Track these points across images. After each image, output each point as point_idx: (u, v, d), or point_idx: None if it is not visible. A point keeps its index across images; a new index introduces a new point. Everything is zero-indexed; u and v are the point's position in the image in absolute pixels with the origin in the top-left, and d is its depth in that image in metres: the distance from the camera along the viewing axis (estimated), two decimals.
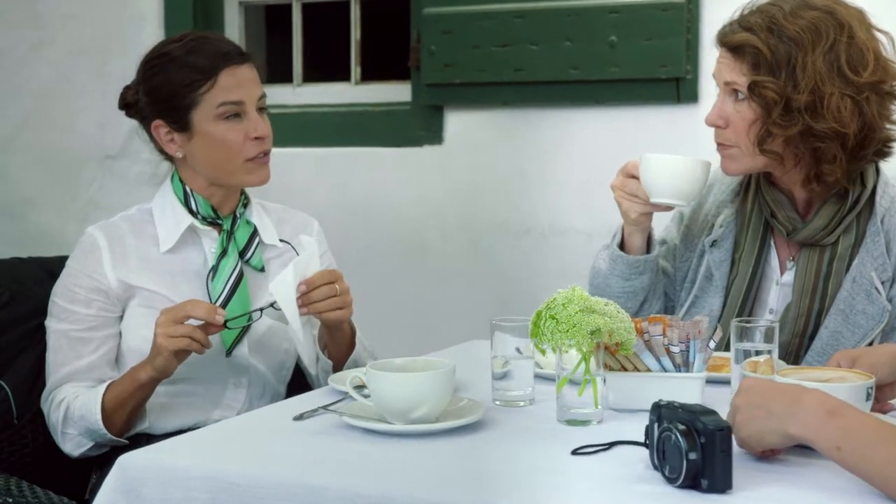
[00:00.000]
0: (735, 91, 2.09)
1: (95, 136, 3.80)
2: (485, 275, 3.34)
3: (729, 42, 2.08)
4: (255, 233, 2.22)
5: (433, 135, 3.36)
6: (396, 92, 3.50)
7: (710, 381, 1.83)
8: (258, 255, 2.21)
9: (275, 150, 3.54)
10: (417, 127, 3.38)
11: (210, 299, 2.11)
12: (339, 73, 3.67)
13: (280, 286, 1.98)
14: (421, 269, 3.41)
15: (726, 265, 2.22)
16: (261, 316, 2.03)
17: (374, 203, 3.46)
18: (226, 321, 1.98)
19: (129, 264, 2.13)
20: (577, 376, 1.68)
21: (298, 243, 2.25)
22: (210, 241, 2.18)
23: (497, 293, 3.31)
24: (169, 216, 2.17)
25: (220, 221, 2.19)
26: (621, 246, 2.23)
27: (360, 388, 1.71)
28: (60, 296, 2.11)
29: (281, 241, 2.24)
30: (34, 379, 2.16)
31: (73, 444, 2.07)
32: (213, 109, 2.10)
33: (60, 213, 3.91)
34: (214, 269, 2.15)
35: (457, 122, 3.35)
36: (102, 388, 2.04)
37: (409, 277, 3.43)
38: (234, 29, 3.76)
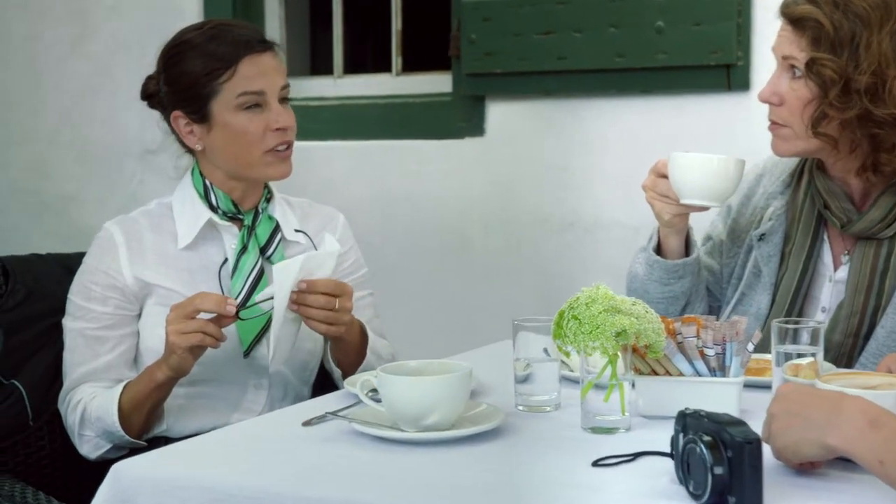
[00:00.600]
0: (792, 67, 1.97)
1: (135, 131, 3.75)
2: (527, 271, 3.23)
3: (791, 14, 1.96)
4: (277, 228, 2.14)
5: (474, 126, 3.26)
6: (437, 83, 3.40)
7: (750, 386, 1.71)
8: (280, 251, 2.12)
9: (314, 144, 3.51)
10: (458, 118, 3.28)
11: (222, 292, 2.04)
12: (380, 64, 3.58)
13: (282, 270, 1.88)
14: (462, 265, 3.31)
15: (775, 260, 2.10)
16: (272, 307, 1.94)
17: (414, 197, 3.36)
18: (238, 311, 1.90)
19: (147, 261, 2.06)
20: (603, 380, 1.57)
21: (321, 240, 2.17)
22: (230, 236, 2.10)
23: (540, 290, 3.20)
24: (188, 211, 2.10)
25: (241, 216, 2.11)
26: (658, 249, 2.11)
27: (374, 391, 1.61)
28: (77, 293, 2.05)
29: (296, 230, 2.15)
30: (51, 379, 2.10)
31: (91, 447, 2.01)
32: (232, 99, 2.02)
33: (102, 209, 3.86)
34: (234, 266, 2.07)
35: (498, 113, 3.24)
36: (119, 388, 1.98)
37: (450, 274, 3.33)
38: (274, 20, 3.69)
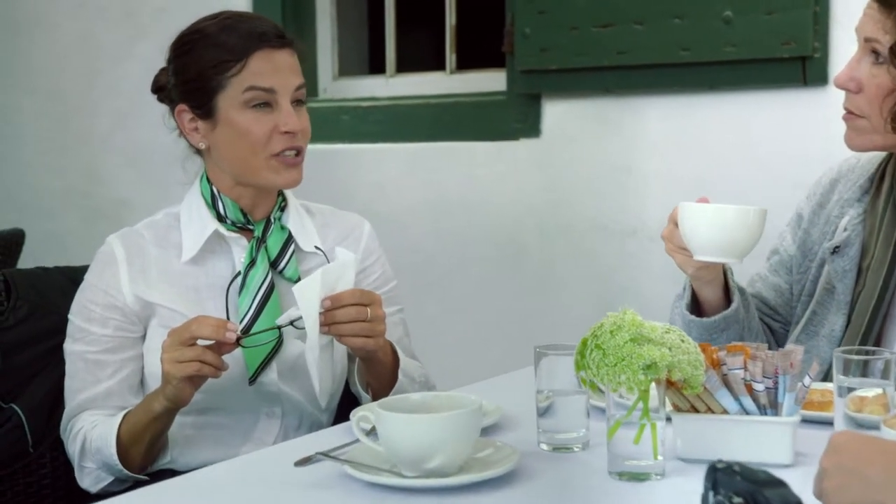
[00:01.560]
0: (874, 51, 1.76)
1: None
2: (587, 280, 3.01)
3: None
4: (290, 239, 1.96)
5: (529, 127, 3.06)
6: (492, 81, 3.21)
7: (810, 422, 1.49)
8: (293, 264, 1.94)
9: (364, 147, 3.35)
10: (513, 118, 3.08)
11: (230, 316, 1.87)
12: (436, 62, 3.40)
13: (305, 290, 1.70)
14: (517, 274, 3.12)
15: (851, 276, 1.88)
16: (279, 333, 1.77)
17: (467, 202, 3.17)
18: (239, 338, 1.73)
19: (149, 278, 1.90)
20: (634, 418, 1.36)
21: (336, 254, 2.00)
22: (240, 249, 1.93)
23: (600, 300, 2.99)
24: (195, 221, 1.94)
25: (250, 227, 1.94)
26: (694, 300, 1.88)
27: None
28: (76, 313, 1.90)
29: (316, 248, 1.97)
30: (52, 403, 1.96)
31: (92, 480, 1.86)
32: (239, 94, 1.85)
33: (154, 214, 3.77)
34: (242, 283, 1.90)
35: (555, 113, 3.03)
36: (118, 418, 1.82)
37: (505, 282, 3.14)
38: (325, 18, 3.54)
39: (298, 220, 2.00)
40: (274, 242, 1.94)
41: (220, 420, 1.91)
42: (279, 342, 1.89)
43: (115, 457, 1.79)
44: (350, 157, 3.35)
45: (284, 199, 2.00)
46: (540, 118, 3.05)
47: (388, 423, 1.37)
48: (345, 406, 2.04)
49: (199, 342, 1.70)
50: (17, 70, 4.19)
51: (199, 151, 1.96)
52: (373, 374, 1.91)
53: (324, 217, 2.06)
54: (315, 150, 3.42)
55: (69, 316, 1.90)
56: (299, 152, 1.91)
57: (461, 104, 3.19)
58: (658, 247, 2.90)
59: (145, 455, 1.83)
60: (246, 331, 1.87)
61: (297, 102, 1.91)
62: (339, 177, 3.36)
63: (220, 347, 1.72)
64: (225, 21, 1.89)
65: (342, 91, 3.51)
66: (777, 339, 2.04)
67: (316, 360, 1.75)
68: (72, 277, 2.05)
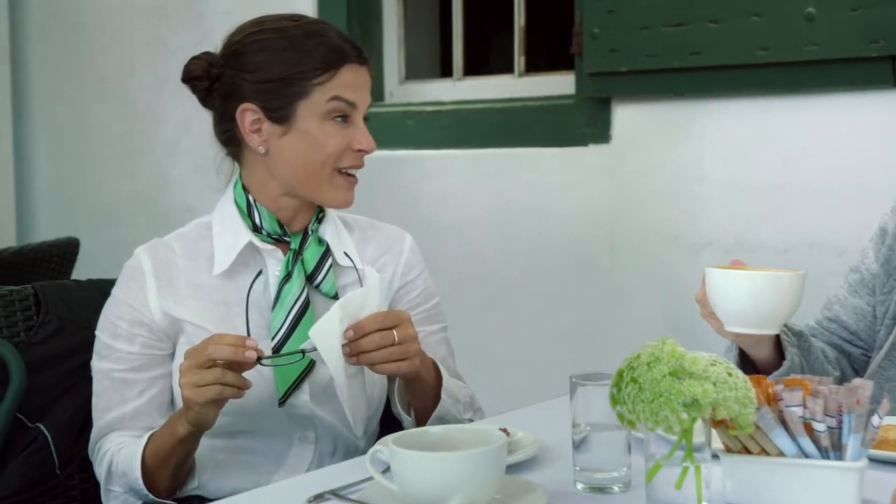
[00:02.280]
0: None
1: None
2: (658, 294, 2.85)
3: None
4: (327, 252, 1.85)
5: (599, 132, 2.91)
6: (561, 84, 3.06)
7: (880, 462, 1.33)
8: (330, 278, 1.83)
9: (428, 153, 3.23)
10: (581, 123, 2.93)
11: (250, 331, 1.77)
12: (504, 64, 3.27)
13: (323, 333, 1.60)
14: (585, 287, 2.97)
15: None
16: (302, 356, 1.66)
17: (534, 211, 3.04)
18: (260, 357, 1.62)
19: (178, 293, 1.80)
20: (676, 459, 1.22)
21: (380, 268, 1.88)
22: (275, 262, 1.83)
23: (673, 316, 2.82)
24: (228, 232, 1.83)
25: (287, 239, 1.84)
26: (743, 356, 1.72)
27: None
28: (103, 329, 1.82)
29: (345, 253, 1.87)
30: (82, 423, 1.88)
31: (118, 501, 1.77)
32: (322, 103, 1.75)
33: (185, 226, 3.72)
34: (276, 297, 1.80)
35: (625, 117, 2.88)
36: (144, 440, 1.73)
37: (571, 295, 2.99)
38: (392, 19, 3.43)
39: (336, 233, 1.89)
40: (311, 255, 1.84)
41: (251, 444, 1.81)
42: (311, 361, 1.78)
43: (140, 481, 1.70)
44: (414, 163, 3.23)
45: (322, 211, 1.90)
46: (609, 123, 2.90)
47: (402, 460, 1.25)
48: (387, 427, 1.93)
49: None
50: (87, 76, 4.18)
51: (234, 156, 1.87)
52: (414, 394, 1.80)
53: (362, 230, 1.95)
54: (379, 157, 3.32)
55: (96, 332, 1.82)
56: (358, 170, 1.83)
57: (527, 108, 3.05)
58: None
59: (172, 479, 1.73)
60: (277, 349, 1.78)
61: (365, 121, 1.84)
62: (403, 184, 3.25)
63: (240, 365, 1.62)
64: (308, 27, 1.79)
65: (408, 95, 3.40)
66: (856, 367, 1.88)
67: (345, 390, 1.65)
68: (105, 291, 1.95)
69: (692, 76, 2.73)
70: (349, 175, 1.81)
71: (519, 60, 3.19)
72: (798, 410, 1.26)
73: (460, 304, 3.16)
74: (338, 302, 1.63)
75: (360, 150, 1.79)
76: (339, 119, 1.77)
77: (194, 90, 1.86)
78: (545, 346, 3.03)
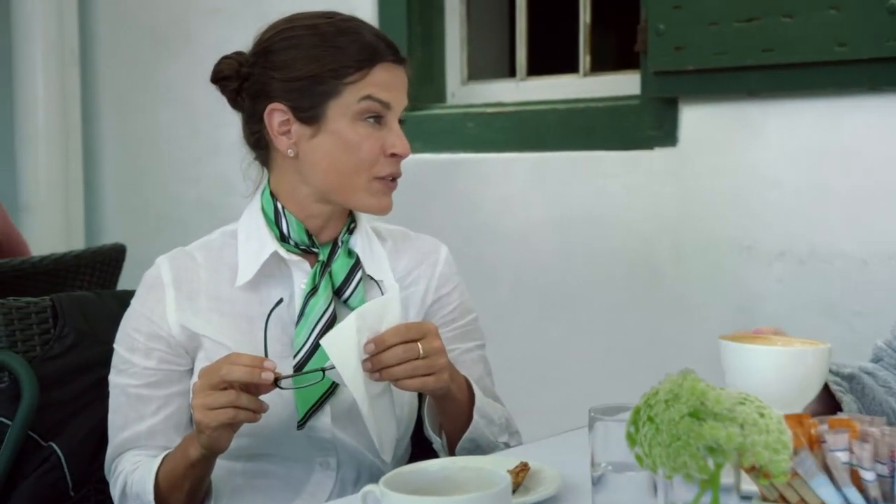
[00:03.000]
0: None
1: None
2: (728, 307, 2.68)
3: None
4: (357, 265, 1.74)
5: (665, 134, 2.74)
6: (628, 84, 2.90)
7: None
8: (360, 293, 1.72)
9: (488, 157, 3.10)
10: (647, 125, 2.77)
11: (268, 351, 1.66)
12: (568, 64, 3.12)
13: (337, 342, 1.49)
14: (649, 296, 2.81)
15: None
16: (323, 377, 1.55)
17: (597, 217, 2.88)
18: (277, 379, 1.51)
19: (197, 306, 1.71)
20: None
21: (411, 281, 1.77)
22: (302, 274, 1.72)
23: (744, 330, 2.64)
24: (253, 241, 1.73)
25: (315, 250, 1.73)
26: None
27: None
28: (120, 342, 1.73)
29: (360, 272, 1.75)
30: (98, 441, 1.79)
31: None
32: (354, 103, 1.64)
33: (210, 234, 3.65)
34: (301, 311, 1.69)
35: (693, 119, 2.71)
36: (157, 461, 1.64)
37: (636, 306, 2.83)
38: (454, 18, 3.31)
39: (367, 245, 1.77)
40: (339, 268, 1.72)
41: (269, 469, 1.71)
42: (335, 382, 1.67)
43: None
44: (474, 167, 3.11)
45: (354, 221, 1.78)
46: (676, 124, 2.73)
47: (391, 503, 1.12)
48: (419, 450, 1.81)
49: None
50: (156, 81, 4.14)
51: (263, 158, 1.77)
52: (445, 413, 1.68)
53: (395, 242, 1.83)
54: (437, 160, 3.22)
55: (114, 345, 1.73)
56: (396, 178, 1.71)
57: (591, 109, 2.90)
58: (810, 271, 2.55)
59: (187, 503, 1.64)
60: (300, 367, 1.67)
61: (401, 122, 1.72)
62: (462, 189, 3.13)
63: (257, 387, 1.51)
64: (341, 23, 1.69)
65: (471, 96, 3.27)
66: None
67: (369, 412, 1.53)
68: (125, 303, 1.87)
69: (764, 74, 2.55)
70: (388, 180, 1.69)
71: (584, 59, 3.04)
72: (843, 456, 1.11)
73: (519, 313, 3.03)
74: (355, 311, 1.52)
75: (394, 155, 1.67)
76: (371, 120, 1.66)
77: (224, 91, 1.76)
78: (607, 359, 2.88)
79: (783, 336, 1.44)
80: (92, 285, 2.58)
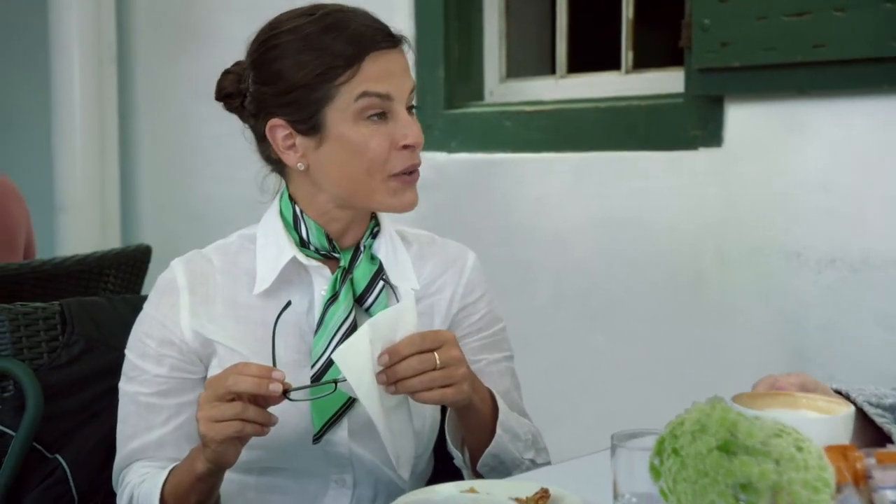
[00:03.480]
0: None
1: None
2: (775, 317, 2.55)
3: None
4: (380, 271, 1.65)
5: (710, 134, 2.62)
6: (672, 81, 2.78)
7: None
8: (383, 300, 1.63)
9: (527, 157, 2.99)
10: (690, 125, 2.65)
11: (276, 360, 1.58)
12: (611, 60, 3.00)
13: (347, 355, 1.40)
14: (692, 304, 2.69)
15: None
16: (335, 389, 1.46)
17: (638, 220, 2.77)
18: (287, 391, 1.42)
19: (213, 312, 1.62)
20: None
21: (430, 291, 1.68)
22: (322, 280, 1.64)
23: (792, 342, 2.52)
24: (272, 246, 1.65)
25: (336, 255, 1.64)
26: None
27: None
28: (132, 348, 1.65)
29: (382, 279, 1.65)
30: (106, 454, 1.72)
31: None
32: (351, 103, 1.54)
33: (227, 237, 3.58)
34: (320, 320, 1.60)
35: (739, 118, 2.58)
36: (163, 475, 1.56)
37: (678, 314, 2.71)
38: (493, 13, 3.21)
39: (391, 250, 1.68)
40: (362, 274, 1.64)
41: (283, 484, 1.63)
42: (350, 398, 1.59)
43: None
44: (511, 167, 3.00)
45: (378, 224, 1.69)
46: (722, 124, 2.60)
47: None
48: (443, 466, 1.72)
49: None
50: (194, 78, 4.07)
51: (278, 169, 1.68)
52: (468, 426, 1.59)
53: (421, 247, 1.74)
54: (474, 160, 3.12)
55: (126, 350, 1.66)
56: (416, 168, 1.61)
57: (632, 108, 2.79)
58: (863, 279, 2.42)
59: None
60: (318, 377, 1.58)
61: (411, 109, 1.61)
62: (499, 189, 3.03)
63: (265, 399, 1.43)
64: (325, 18, 1.58)
65: (510, 94, 3.17)
66: None
67: (385, 427, 1.44)
68: (137, 307, 1.78)
69: (815, 71, 2.41)
70: (406, 174, 1.59)
71: (626, 56, 2.93)
72: (892, 494, 1.00)
73: (558, 320, 2.93)
74: (367, 321, 1.43)
75: (406, 147, 1.57)
76: (374, 117, 1.56)
77: (229, 108, 1.69)
78: (648, 368, 2.76)
79: (807, 391, 1.31)
80: (117, 288, 2.51)
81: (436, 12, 3.15)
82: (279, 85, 1.57)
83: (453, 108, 3.13)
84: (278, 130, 1.59)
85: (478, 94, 3.20)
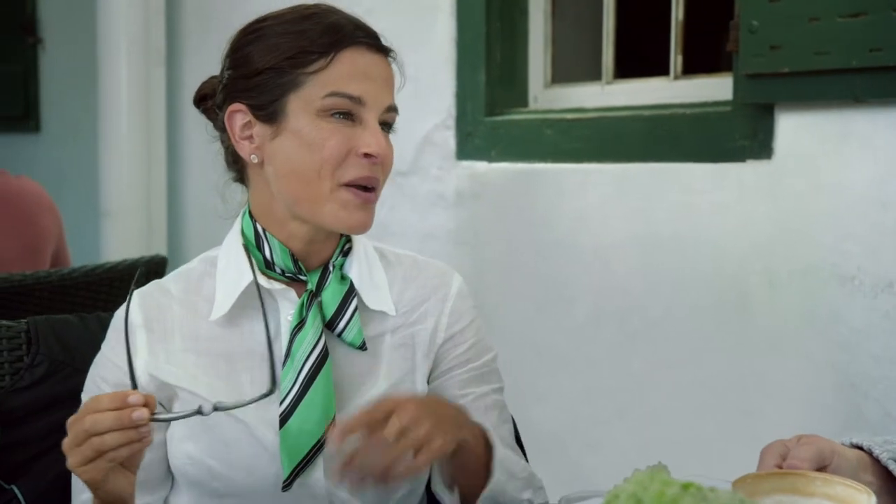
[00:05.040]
0: None
1: None
2: (826, 343, 2.34)
3: None
4: (351, 292, 1.50)
5: (759, 145, 2.42)
6: (722, 88, 2.59)
7: None
8: (355, 325, 1.49)
9: (566, 167, 2.82)
10: (738, 134, 2.45)
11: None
12: (660, 66, 2.82)
13: None
14: (738, 327, 2.49)
15: None
16: (200, 413, 1.32)
17: (682, 236, 2.58)
18: (154, 414, 1.26)
19: (171, 349, 1.50)
20: None
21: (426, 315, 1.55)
22: (289, 304, 1.51)
23: (844, 372, 2.31)
24: (232, 269, 1.52)
25: (302, 277, 1.50)
26: None
27: None
28: (87, 391, 1.53)
29: (354, 300, 1.51)
30: (65, 488, 1.59)
31: None
32: (317, 99, 1.43)
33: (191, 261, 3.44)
34: (287, 350, 1.47)
35: (790, 128, 2.38)
36: None
37: (723, 338, 2.52)
38: (538, 14, 3.04)
39: (365, 269, 1.54)
40: (330, 296, 1.50)
41: None
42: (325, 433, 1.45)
43: None
44: (550, 178, 2.84)
45: (348, 240, 1.55)
46: (772, 134, 2.40)
47: None
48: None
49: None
50: None
51: (241, 177, 1.56)
52: (461, 468, 1.45)
53: (403, 268, 1.59)
54: (513, 170, 2.95)
55: (81, 395, 1.53)
56: (373, 188, 1.46)
57: (677, 117, 2.59)
58: None
59: None
60: (287, 414, 1.45)
61: (385, 126, 1.48)
62: (538, 202, 2.86)
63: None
64: (311, 9, 1.48)
65: (554, 101, 3.00)
66: None
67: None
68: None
69: (872, 78, 2.20)
70: (361, 189, 1.45)
71: (675, 60, 2.73)
72: None
73: (596, 341, 2.75)
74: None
75: (366, 156, 1.43)
76: (339, 116, 1.43)
77: (204, 113, 1.58)
78: (690, 396, 2.57)
79: (823, 463, 1.12)
80: (109, 305, 2.41)
81: (478, 13, 3.00)
82: (247, 67, 1.47)
83: (493, 115, 2.97)
84: (238, 117, 1.48)
85: (521, 100, 3.04)
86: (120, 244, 3.97)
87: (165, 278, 1.58)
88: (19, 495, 1.60)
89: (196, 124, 4.27)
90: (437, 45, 3.12)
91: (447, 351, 1.57)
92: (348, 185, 1.44)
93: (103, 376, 1.50)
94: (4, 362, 1.65)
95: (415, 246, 3.02)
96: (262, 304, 1.48)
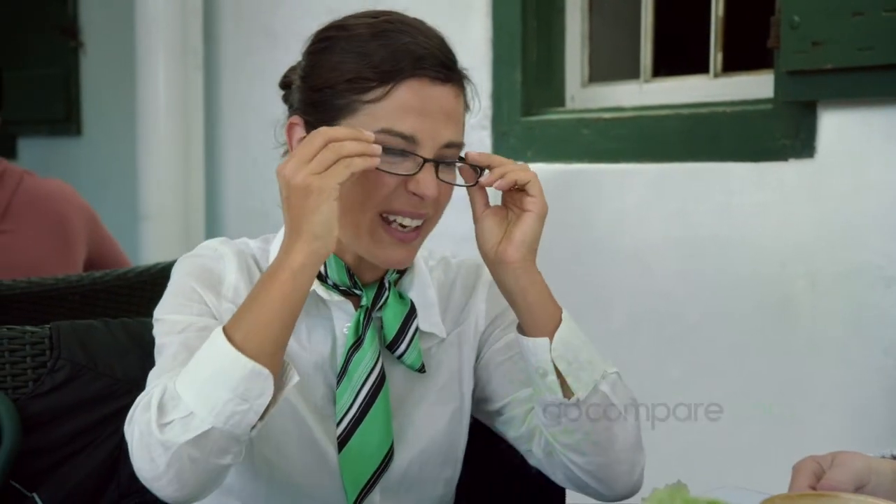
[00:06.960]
0: None
1: None
2: (872, 349, 2.27)
3: None
4: (412, 314, 1.46)
5: (801, 144, 2.35)
6: (763, 86, 2.52)
7: None
8: (415, 348, 1.45)
9: (603, 167, 2.76)
10: (779, 133, 2.39)
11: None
12: (699, 63, 2.76)
13: None
14: (781, 333, 2.42)
15: None
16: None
17: (722, 238, 2.51)
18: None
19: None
20: None
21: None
22: (344, 317, 1.45)
23: (890, 378, 2.24)
24: None
25: (357, 292, 1.45)
26: None
27: None
28: (166, 306, 1.46)
29: (414, 323, 1.47)
30: (92, 492, 1.58)
31: (179, 430, 1.23)
32: (369, 130, 1.34)
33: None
34: (342, 369, 1.42)
35: (834, 126, 2.31)
36: (218, 335, 1.27)
37: (764, 343, 2.45)
38: (575, 12, 2.99)
39: (421, 288, 1.49)
40: (392, 317, 1.45)
41: None
42: (390, 452, 1.42)
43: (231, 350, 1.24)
44: (587, 179, 2.78)
45: None
46: (814, 133, 2.33)
47: None
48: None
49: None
50: (276, 84, 3.96)
51: None
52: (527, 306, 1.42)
53: (444, 272, 1.56)
54: (549, 171, 2.89)
55: (155, 315, 1.45)
56: (418, 228, 1.38)
57: (717, 115, 2.53)
58: None
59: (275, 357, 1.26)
60: (345, 438, 1.42)
61: (445, 165, 1.38)
62: (575, 203, 2.81)
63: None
64: (383, 24, 1.39)
65: (592, 100, 2.95)
66: None
67: None
68: (134, 334, 1.66)
69: None
70: (399, 227, 1.37)
71: (715, 58, 2.67)
72: None
73: (633, 346, 2.69)
74: None
75: (416, 194, 1.35)
76: (392, 152, 1.34)
77: (283, 100, 1.54)
78: (730, 404, 2.49)
79: (861, 483, 1.07)
80: (141, 309, 2.38)
81: (513, 11, 2.95)
82: (311, 79, 1.41)
83: (529, 115, 2.92)
84: (296, 130, 1.43)
85: (558, 99, 2.99)
86: (159, 248, 3.96)
87: (229, 249, 1.52)
88: (38, 501, 1.57)
89: (233, 128, 4.26)
90: (472, 44, 3.07)
91: (490, 332, 1.55)
92: (392, 214, 1.37)
93: (190, 272, 1.46)
94: (28, 368, 1.62)
95: (451, 248, 2.98)
96: (330, 315, 1.45)
